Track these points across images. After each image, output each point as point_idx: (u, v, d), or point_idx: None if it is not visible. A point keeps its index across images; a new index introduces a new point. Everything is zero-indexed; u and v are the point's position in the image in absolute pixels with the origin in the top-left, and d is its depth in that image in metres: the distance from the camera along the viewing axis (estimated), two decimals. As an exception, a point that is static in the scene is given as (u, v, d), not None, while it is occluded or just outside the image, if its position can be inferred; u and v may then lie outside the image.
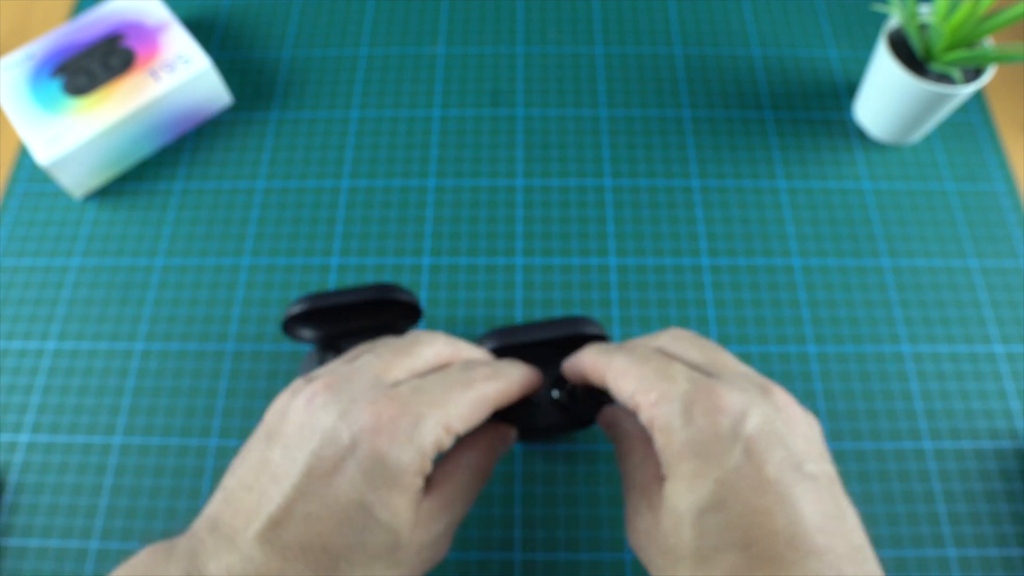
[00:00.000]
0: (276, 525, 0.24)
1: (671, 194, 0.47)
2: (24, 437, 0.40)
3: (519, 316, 0.43)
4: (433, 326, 0.43)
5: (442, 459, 0.30)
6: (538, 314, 0.43)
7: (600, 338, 0.36)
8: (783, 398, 0.26)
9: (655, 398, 0.26)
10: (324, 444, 0.24)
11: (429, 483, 0.28)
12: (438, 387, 0.27)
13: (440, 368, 0.29)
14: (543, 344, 0.37)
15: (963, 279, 0.44)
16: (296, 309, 0.37)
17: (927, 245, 0.45)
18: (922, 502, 0.38)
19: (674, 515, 0.25)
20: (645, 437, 0.30)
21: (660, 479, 0.27)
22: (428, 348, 0.29)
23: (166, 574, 0.24)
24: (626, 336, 0.43)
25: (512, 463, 0.39)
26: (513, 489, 0.39)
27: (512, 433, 0.33)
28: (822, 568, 0.23)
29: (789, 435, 0.25)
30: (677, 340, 0.29)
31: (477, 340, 0.38)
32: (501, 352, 0.37)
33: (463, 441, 0.31)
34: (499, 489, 0.39)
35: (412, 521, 0.25)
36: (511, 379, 0.29)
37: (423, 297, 0.44)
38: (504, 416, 0.36)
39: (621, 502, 0.38)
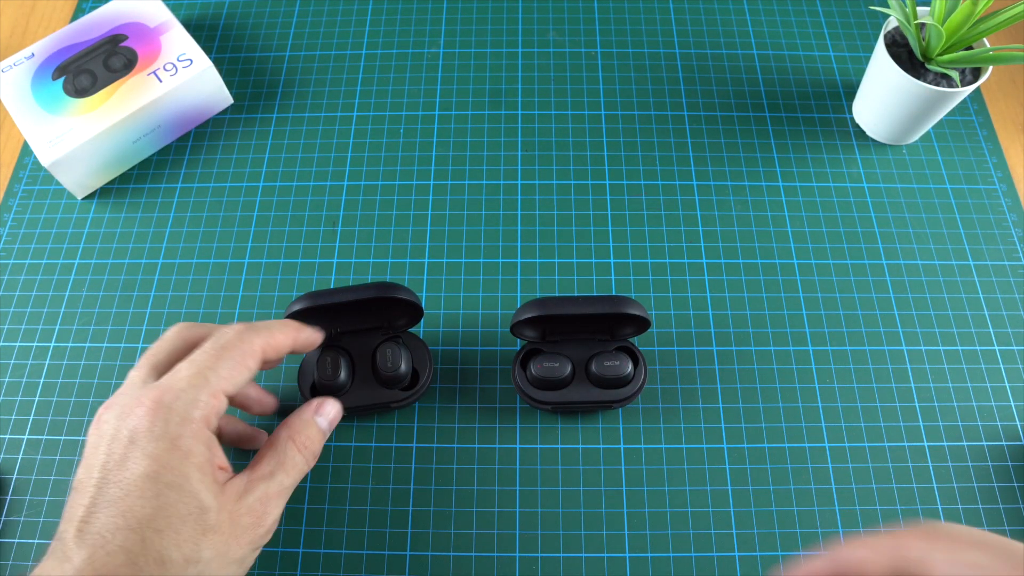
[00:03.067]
0: (84, 523, 0.27)
1: (671, 194, 0.47)
2: (25, 436, 0.40)
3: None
4: (433, 325, 0.43)
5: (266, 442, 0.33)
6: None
7: (643, 320, 0.38)
8: None
9: None
10: (111, 444, 0.29)
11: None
12: (192, 366, 0.31)
13: (193, 348, 0.32)
14: (583, 319, 0.37)
15: (961, 278, 0.44)
16: (296, 307, 0.37)
17: (925, 244, 0.46)
18: (920, 501, 0.38)
19: None
20: None
21: None
22: (169, 333, 0.33)
23: None
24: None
25: (513, 461, 0.40)
26: (514, 488, 0.39)
27: (332, 410, 0.35)
28: None
29: None
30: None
31: (519, 307, 0.39)
32: (542, 322, 0.38)
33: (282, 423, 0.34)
34: (499, 487, 0.39)
35: (210, 484, 0.29)
36: (270, 331, 0.33)
37: (423, 297, 0.44)
38: (544, 386, 0.38)
39: (621, 501, 0.38)
